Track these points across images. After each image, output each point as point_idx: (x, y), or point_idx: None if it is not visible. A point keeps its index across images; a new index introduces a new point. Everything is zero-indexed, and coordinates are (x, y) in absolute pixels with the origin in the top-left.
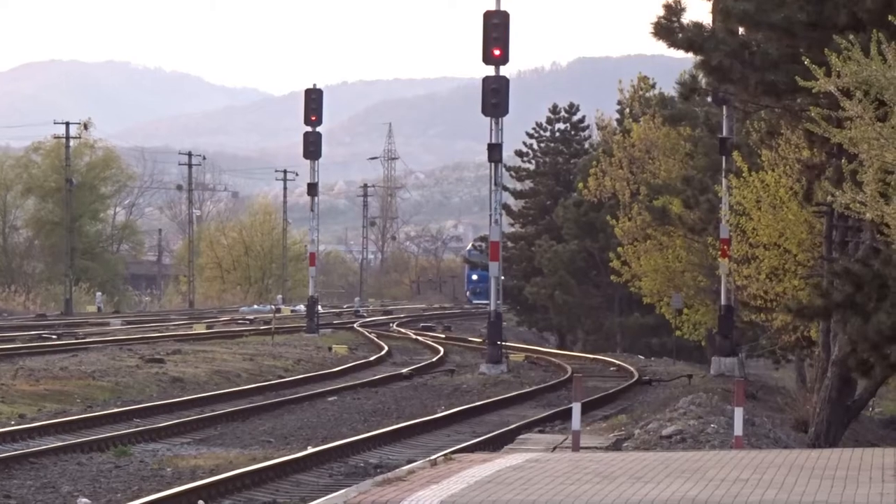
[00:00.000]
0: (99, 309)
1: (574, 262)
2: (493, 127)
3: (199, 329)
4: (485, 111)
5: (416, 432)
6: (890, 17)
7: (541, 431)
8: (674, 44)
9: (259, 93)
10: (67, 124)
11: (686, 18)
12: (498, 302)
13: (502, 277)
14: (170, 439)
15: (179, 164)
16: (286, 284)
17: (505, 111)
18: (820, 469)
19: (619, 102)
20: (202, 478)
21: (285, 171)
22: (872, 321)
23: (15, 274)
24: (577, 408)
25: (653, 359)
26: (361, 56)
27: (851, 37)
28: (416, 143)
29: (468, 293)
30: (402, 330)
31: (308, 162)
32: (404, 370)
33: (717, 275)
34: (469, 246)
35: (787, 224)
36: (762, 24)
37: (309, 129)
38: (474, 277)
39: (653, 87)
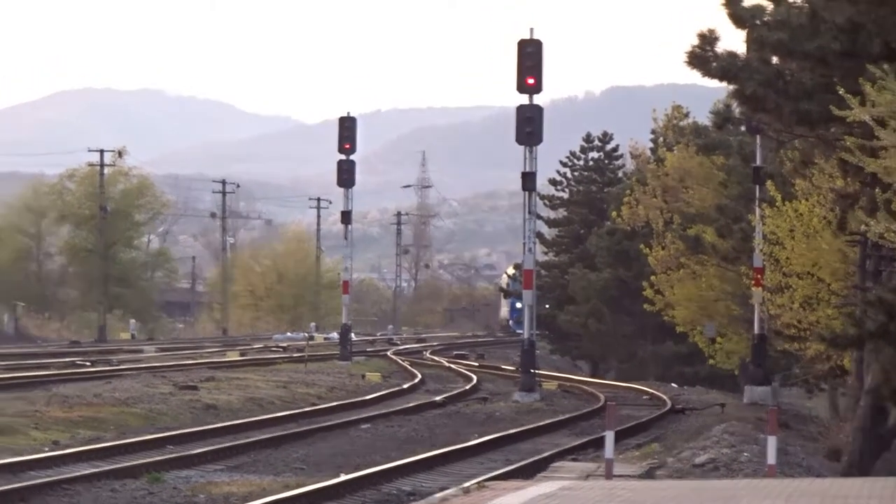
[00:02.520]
0: (133, 336)
1: (607, 291)
2: (527, 155)
3: (233, 356)
4: (519, 140)
5: (449, 460)
6: None
7: (574, 459)
8: (708, 73)
9: (292, 121)
10: (102, 152)
11: (720, 48)
12: (532, 330)
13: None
14: (203, 466)
15: (213, 192)
16: (319, 312)
17: (539, 140)
18: (853, 498)
19: (653, 131)
20: None
21: (319, 199)
22: None
23: (49, 301)
24: (610, 436)
25: (685, 387)
26: (395, 84)
27: (885, 66)
28: (449, 172)
29: (511, 322)
30: (436, 358)
31: (342, 190)
32: (438, 398)
33: (751, 304)
34: (503, 276)
35: (820, 253)
36: (796, 53)
37: (343, 157)
38: (518, 305)
39: (686, 115)
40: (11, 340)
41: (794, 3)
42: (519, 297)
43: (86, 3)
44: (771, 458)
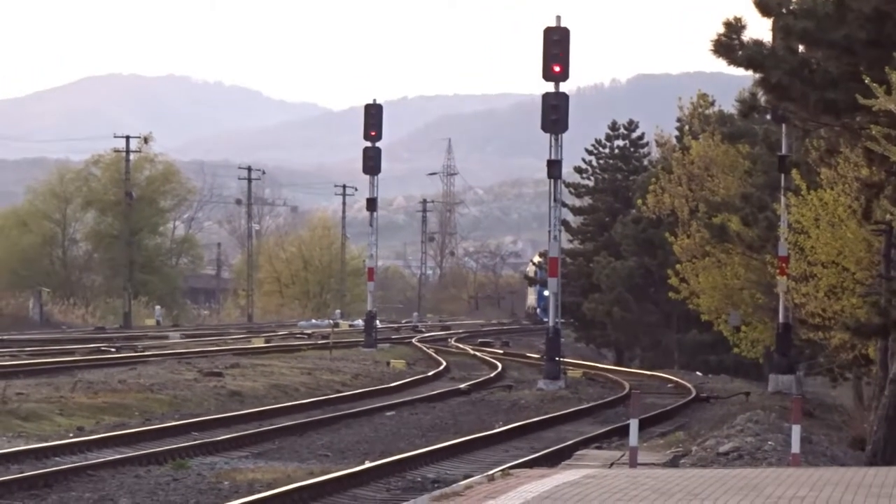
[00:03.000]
0: (158, 322)
1: (632, 279)
2: (553, 143)
3: (258, 343)
4: (544, 127)
5: (473, 447)
6: None
7: (598, 447)
8: (733, 61)
9: (318, 108)
10: (128, 138)
11: (746, 36)
12: (557, 318)
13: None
14: (228, 453)
15: (239, 179)
16: (344, 299)
17: (564, 127)
18: (877, 487)
19: (679, 119)
20: (260, 491)
21: (344, 186)
22: None
23: (74, 287)
24: (634, 424)
25: (710, 376)
26: (421, 72)
27: None
28: (475, 159)
29: (538, 310)
30: (460, 345)
31: (367, 177)
32: (462, 385)
33: (776, 292)
34: (529, 264)
35: (845, 242)
36: (822, 41)
37: (368, 144)
38: (546, 293)
39: (712, 104)
40: (37, 326)
41: None
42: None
43: None
44: (795, 447)
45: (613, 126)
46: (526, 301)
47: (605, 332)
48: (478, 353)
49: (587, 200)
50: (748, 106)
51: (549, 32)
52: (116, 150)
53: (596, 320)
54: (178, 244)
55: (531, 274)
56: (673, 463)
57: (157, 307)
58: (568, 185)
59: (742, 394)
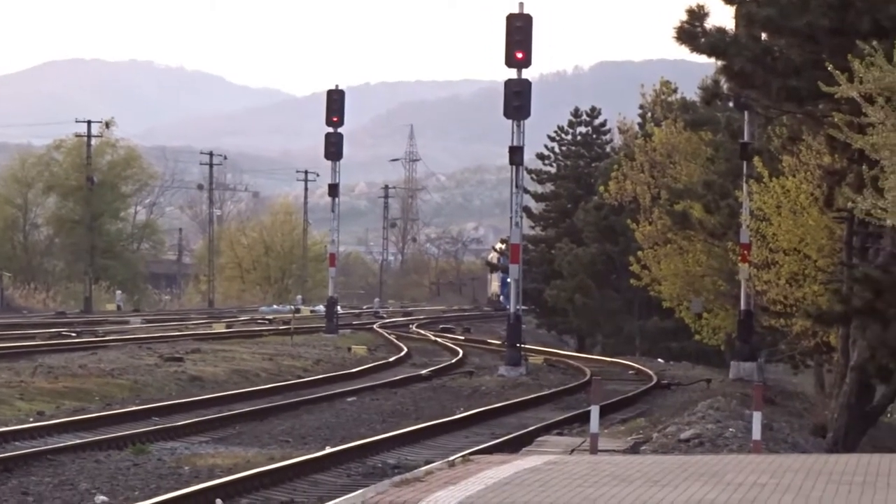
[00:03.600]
0: (119, 307)
1: (594, 266)
2: (515, 130)
3: (219, 328)
4: (507, 114)
5: (434, 433)
6: None
7: (559, 434)
8: (696, 48)
9: (281, 94)
10: (89, 123)
11: (709, 23)
12: (518, 304)
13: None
14: (188, 438)
15: (200, 164)
16: (306, 285)
17: (527, 114)
18: (838, 474)
19: (641, 106)
20: (220, 477)
21: (306, 172)
22: (892, 327)
23: (35, 272)
24: (595, 411)
25: (672, 363)
26: (384, 58)
27: (874, 43)
28: (437, 146)
29: (501, 297)
30: (422, 331)
31: (329, 163)
32: (423, 371)
33: (737, 280)
34: (491, 250)
35: (807, 230)
36: (785, 29)
37: (331, 130)
38: (510, 280)
39: (675, 91)
40: None
41: None
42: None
43: None
44: (756, 434)
45: (576, 113)
46: (487, 287)
47: (566, 319)
48: (439, 340)
49: (549, 187)
50: (711, 93)
51: (511, 19)
52: (78, 135)
53: (557, 307)
54: (139, 229)
55: (493, 261)
56: (634, 449)
57: (118, 292)
58: (530, 171)
59: (703, 381)
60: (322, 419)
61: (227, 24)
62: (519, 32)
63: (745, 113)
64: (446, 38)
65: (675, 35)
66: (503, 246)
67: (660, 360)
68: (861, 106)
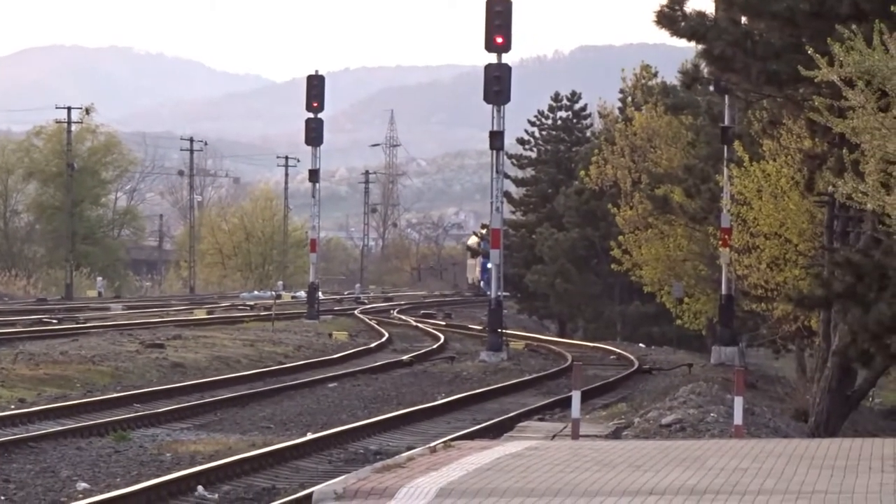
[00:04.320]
0: (100, 294)
1: (575, 251)
2: (495, 115)
3: (200, 314)
4: (487, 99)
5: (415, 419)
6: (893, 8)
7: (540, 419)
8: (676, 32)
9: (261, 79)
10: (69, 109)
11: (689, 7)
12: (499, 290)
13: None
14: (169, 424)
15: (181, 150)
16: (287, 271)
17: (507, 99)
18: (819, 459)
19: (622, 91)
20: (201, 463)
21: (287, 158)
22: (873, 311)
23: (16, 258)
24: (576, 396)
25: (653, 347)
26: (364, 43)
27: (854, 27)
28: (418, 131)
29: (482, 283)
30: (403, 317)
31: (310, 148)
32: (405, 357)
33: (718, 264)
34: (471, 235)
35: (788, 214)
36: (764, 13)
37: (311, 115)
38: (490, 266)
39: (655, 75)
40: None
41: None
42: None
43: None
44: (738, 419)
45: (556, 97)
46: (468, 273)
47: (547, 304)
48: (420, 325)
49: (530, 172)
50: (691, 77)
51: (491, 3)
52: (58, 122)
53: (538, 292)
54: (120, 215)
55: (473, 245)
56: (615, 435)
57: (99, 279)
58: (511, 156)
59: (685, 365)
60: (303, 405)
61: (206, 9)
62: (499, 17)
63: (726, 97)
64: (427, 23)
65: (656, 19)
66: (483, 231)
67: (641, 344)
68: (841, 89)
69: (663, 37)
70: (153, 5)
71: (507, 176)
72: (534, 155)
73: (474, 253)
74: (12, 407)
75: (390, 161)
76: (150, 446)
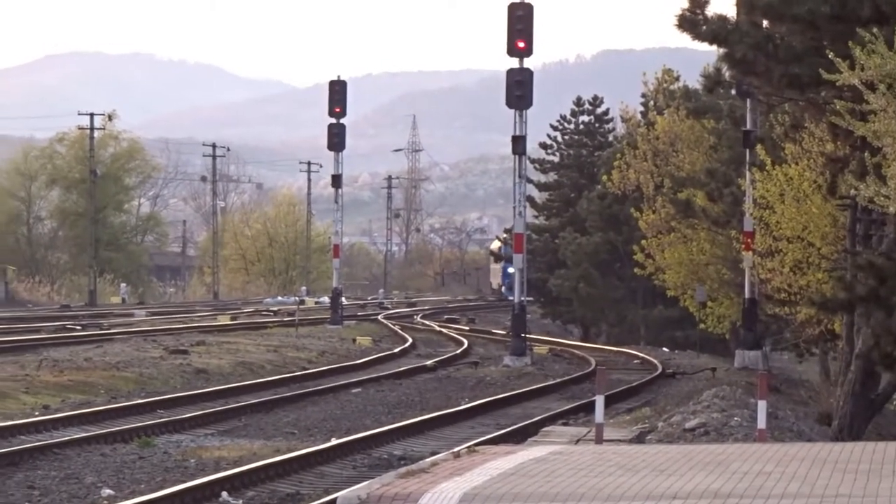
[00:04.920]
0: (123, 300)
1: (598, 255)
2: (518, 119)
3: (224, 320)
4: (509, 103)
5: (439, 424)
6: None
7: (564, 424)
8: (698, 36)
9: (283, 85)
10: (92, 115)
11: (710, 11)
12: (523, 294)
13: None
14: (194, 430)
15: (203, 156)
16: (310, 276)
17: (529, 103)
18: (843, 462)
19: (644, 95)
20: (226, 469)
21: (309, 163)
22: None
23: (39, 265)
24: (600, 400)
25: (676, 352)
26: (386, 48)
27: (875, 30)
28: (440, 135)
29: (503, 288)
30: (426, 322)
31: (332, 154)
32: (428, 362)
33: (741, 268)
34: (494, 240)
35: (810, 217)
36: (786, 16)
37: (333, 120)
38: (511, 270)
39: (677, 79)
40: (2, 304)
41: None
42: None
43: None
44: (761, 423)
45: (578, 102)
46: (491, 277)
47: (570, 309)
48: (444, 330)
49: (552, 176)
50: (713, 81)
51: (513, 8)
52: (81, 128)
53: (562, 296)
54: (143, 221)
55: (497, 250)
56: (639, 439)
57: (123, 285)
58: (533, 160)
59: (708, 369)
60: (327, 411)
61: (228, 15)
62: (520, 21)
63: (748, 101)
64: (448, 28)
65: (677, 23)
66: (506, 235)
67: (664, 349)
68: (862, 93)
69: (685, 40)
70: (175, 12)
71: (529, 180)
72: (556, 159)
73: (498, 258)
74: (37, 413)
75: (413, 166)
76: (175, 452)
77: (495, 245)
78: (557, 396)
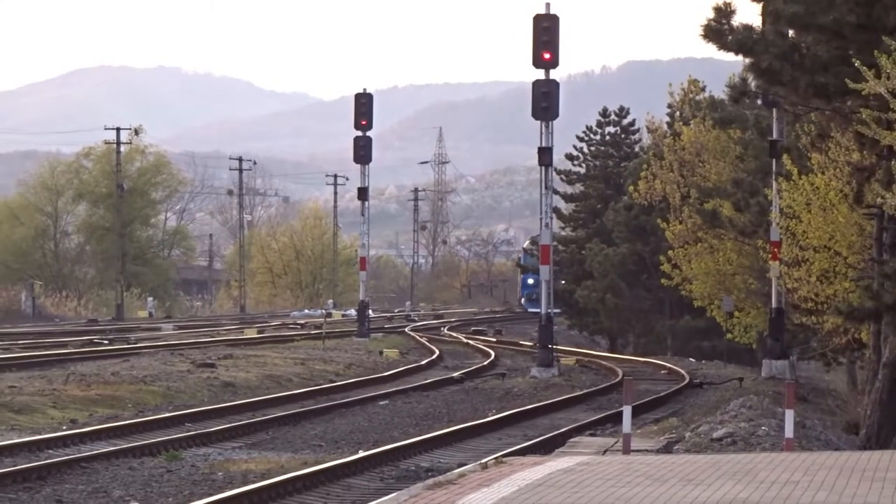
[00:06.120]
0: (150, 314)
1: (625, 266)
2: (544, 130)
3: (251, 334)
4: (535, 115)
5: (467, 436)
6: None
7: (592, 435)
8: (724, 46)
9: (309, 97)
10: (118, 129)
11: (736, 21)
12: (549, 306)
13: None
14: (221, 444)
15: (230, 170)
16: (337, 289)
17: (555, 115)
18: (871, 471)
19: (669, 105)
20: (253, 482)
21: (335, 176)
22: None
23: (66, 279)
24: (627, 411)
25: (703, 362)
26: (412, 60)
27: None
28: (466, 147)
29: (523, 299)
30: (453, 334)
31: (358, 166)
32: (455, 374)
33: (768, 277)
34: (521, 251)
35: (837, 227)
36: (812, 26)
37: (359, 133)
38: (530, 282)
39: (703, 90)
40: (29, 319)
41: None
42: (533, 273)
43: None
44: (789, 432)
45: (604, 113)
46: (518, 289)
47: (597, 320)
48: (471, 342)
49: (579, 187)
50: (739, 91)
51: (538, 20)
52: (107, 142)
53: (589, 307)
54: (169, 235)
55: (520, 261)
56: (667, 449)
57: (150, 299)
58: (559, 172)
59: (735, 379)
60: (354, 423)
61: (254, 29)
62: (546, 33)
63: (774, 110)
64: (474, 40)
65: (703, 33)
66: (532, 246)
67: (691, 359)
68: (888, 102)
69: (710, 51)
70: (201, 25)
71: (555, 192)
72: (582, 170)
73: (524, 269)
74: (64, 428)
75: (439, 178)
76: (202, 465)
77: (522, 256)
78: (585, 407)
